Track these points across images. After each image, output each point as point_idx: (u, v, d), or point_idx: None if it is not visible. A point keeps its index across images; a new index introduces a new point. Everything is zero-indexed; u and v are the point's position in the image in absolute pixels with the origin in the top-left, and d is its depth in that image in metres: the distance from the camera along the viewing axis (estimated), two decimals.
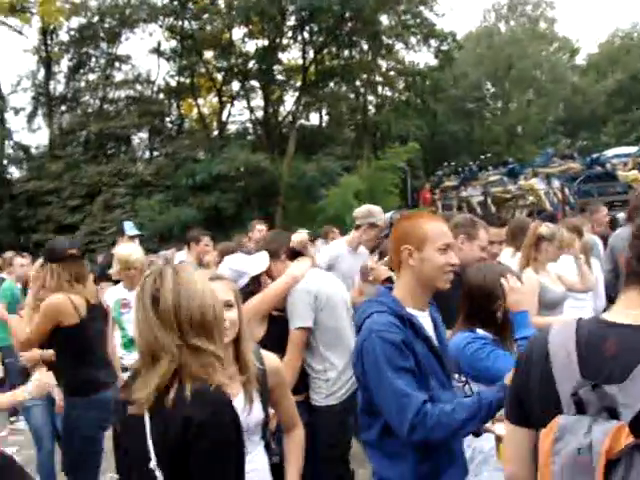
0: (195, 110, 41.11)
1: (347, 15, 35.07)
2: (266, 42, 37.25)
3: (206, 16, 35.92)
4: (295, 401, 3.34)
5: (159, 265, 2.40)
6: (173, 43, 38.70)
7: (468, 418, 2.74)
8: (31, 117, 38.87)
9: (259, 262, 4.47)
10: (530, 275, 5.25)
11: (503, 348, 3.46)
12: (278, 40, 37.19)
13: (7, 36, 46.43)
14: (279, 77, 39.63)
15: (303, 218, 26.52)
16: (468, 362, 3.42)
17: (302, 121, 40.29)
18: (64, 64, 39.06)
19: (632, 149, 21.46)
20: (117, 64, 39.65)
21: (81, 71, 39.18)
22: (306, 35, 37.64)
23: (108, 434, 5.52)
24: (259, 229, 9.03)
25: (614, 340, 1.69)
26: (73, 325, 4.78)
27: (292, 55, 39.80)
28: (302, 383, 4.46)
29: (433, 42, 38.68)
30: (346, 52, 39.16)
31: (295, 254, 4.63)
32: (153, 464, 2.11)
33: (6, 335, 8.34)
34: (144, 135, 39.98)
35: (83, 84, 39.44)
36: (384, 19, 37.53)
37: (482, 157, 30.19)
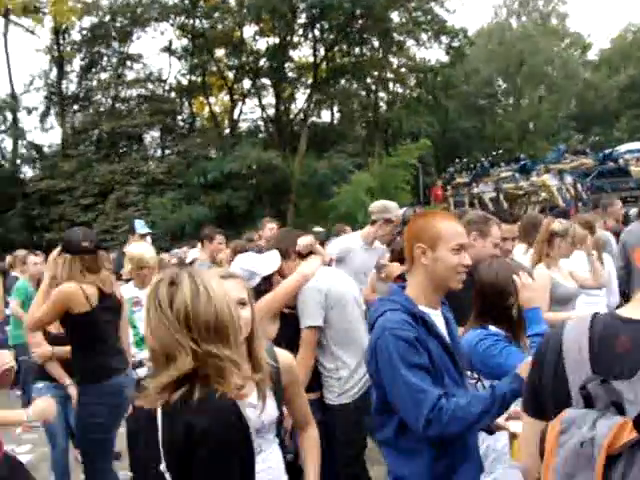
0: (207, 108, 41.20)
1: (358, 12, 35.05)
2: (277, 40, 37.26)
3: (217, 14, 35.97)
4: (309, 399, 3.34)
5: (174, 268, 2.38)
6: (184, 42, 38.83)
7: (484, 411, 2.74)
8: (44, 116, 39.04)
9: (270, 262, 4.46)
10: (542, 271, 5.24)
11: (516, 345, 3.46)
12: (289, 38, 37.20)
13: (20, 36, 46.47)
14: (290, 75, 39.65)
15: (315, 216, 26.53)
16: (480, 359, 3.41)
17: (313, 118, 40.27)
18: (76, 63, 39.30)
19: None
20: (129, 63, 39.78)
21: (93, 70, 39.31)
22: (317, 33, 37.64)
23: (121, 432, 5.58)
24: (270, 227, 9.02)
25: (627, 336, 1.69)
26: (84, 313, 4.80)
27: (303, 53, 39.88)
28: (316, 381, 4.46)
29: (444, 39, 38.63)
30: (357, 49, 39.16)
31: (306, 252, 4.62)
32: (163, 467, 2.12)
33: (20, 332, 8.40)
34: (156, 134, 40.11)
35: (95, 83, 39.56)
36: (395, 16, 37.53)
37: (494, 153, 30.19)
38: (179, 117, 40.75)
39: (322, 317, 4.40)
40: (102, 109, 38.74)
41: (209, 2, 35.63)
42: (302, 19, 36.93)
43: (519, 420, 2.91)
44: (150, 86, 40.33)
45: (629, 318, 1.75)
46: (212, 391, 2.12)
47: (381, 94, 42.32)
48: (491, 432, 3.12)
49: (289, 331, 4.37)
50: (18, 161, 37.61)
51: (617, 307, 2.34)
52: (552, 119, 49.32)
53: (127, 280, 6.61)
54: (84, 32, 37.77)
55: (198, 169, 32.50)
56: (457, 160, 29.36)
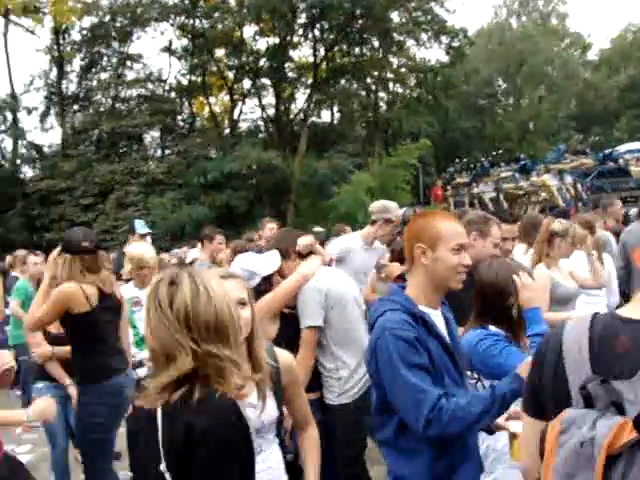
0: (207, 108, 41.22)
1: (358, 12, 35.07)
2: (277, 40, 37.27)
3: (217, 14, 35.98)
4: (309, 399, 3.33)
5: (174, 268, 2.38)
6: (184, 42, 38.85)
7: (484, 411, 2.74)
8: (44, 116, 39.06)
9: (270, 262, 4.46)
10: (541, 271, 5.24)
11: (515, 345, 3.46)
12: (289, 38, 37.21)
13: (20, 36, 46.48)
14: (290, 75, 39.66)
15: (315, 216, 26.54)
16: (480, 359, 3.41)
17: (313, 118, 40.28)
18: (76, 63, 39.32)
19: None
20: (129, 63, 39.80)
21: (93, 70, 39.32)
22: (317, 33, 37.65)
23: (121, 431, 5.59)
24: (270, 227, 9.01)
25: (628, 336, 1.69)
26: (83, 313, 4.80)
27: (303, 53, 39.89)
28: (316, 381, 4.45)
29: (444, 39, 38.64)
30: (357, 49, 39.17)
31: (306, 252, 4.62)
32: (163, 467, 2.11)
33: (20, 332, 8.41)
34: (156, 134, 40.12)
35: (95, 83, 39.58)
36: (395, 16, 37.54)
37: (494, 153, 30.20)
38: (179, 117, 40.78)
39: (322, 317, 4.39)
40: (102, 109, 38.76)
41: (209, 2, 35.64)
42: (302, 19, 36.96)
43: (519, 420, 2.91)
44: (150, 86, 40.36)
45: (629, 318, 1.75)
46: (212, 391, 2.11)
47: (381, 94, 42.36)
48: (491, 432, 3.12)
49: (289, 331, 4.36)
50: (18, 161, 37.64)
51: (617, 307, 2.33)
52: (552, 119, 49.34)
53: (127, 280, 6.61)
54: (84, 32, 37.81)
55: (198, 169, 32.51)
56: (457, 160, 29.37)
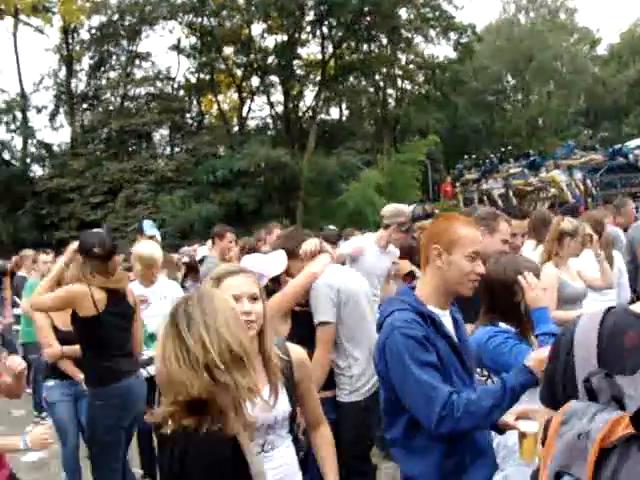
0: (215, 106, 41.30)
1: (366, 9, 35.06)
2: (285, 37, 37.32)
3: (225, 12, 36.07)
4: (325, 397, 3.32)
5: (187, 295, 2.38)
6: (193, 40, 38.95)
7: (495, 405, 2.74)
8: (53, 115, 39.25)
9: (277, 262, 4.45)
10: (549, 270, 5.21)
11: (525, 341, 3.45)
12: (297, 35, 37.25)
13: (29, 36, 46.73)
14: (299, 72, 39.69)
15: (324, 213, 26.55)
16: (490, 356, 3.41)
17: (322, 116, 40.34)
18: (85, 62, 39.50)
19: None
20: (137, 61, 39.92)
21: (102, 69, 39.48)
22: (325, 30, 37.66)
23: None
24: (278, 234, 8.67)
25: (636, 332, 1.69)
26: (90, 317, 4.84)
27: (311, 50, 39.95)
28: (330, 379, 4.44)
29: (452, 35, 38.60)
30: (365, 46, 39.16)
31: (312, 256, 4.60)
32: None
33: (32, 330, 8.44)
34: (165, 132, 40.26)
35: (104, 82, 39.72)
36: (403, 12, 37.53)
37: (503, 149, 30.00)
38: (188, 115, 40.86)
39: (334, 313, 4.38)
40: (111, 107, 38.89)
41: (217, 0, 35.65)
42: (310, 16, 36.99)
43: (529, 419, 2.92)
44: (159, 84, 40.49)
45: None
46: (217, 423, 2.14)
47: (389, 91, 42.37)
48: (501, 431, 3.12)
49: (301, 329, 4.34)
50: (28, 160, 37.80)
51: (631, 302, 2.34)
52: (561, 115, 49.14)
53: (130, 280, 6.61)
54: (93, 31, 37.99)
55: (207, 167, 32.56)
56: (466, 156, 29.17)
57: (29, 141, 37.76)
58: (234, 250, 7.90)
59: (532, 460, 2.77)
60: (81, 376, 5.42)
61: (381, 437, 3.82)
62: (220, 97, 41.13)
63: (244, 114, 40.61)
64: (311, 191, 31.90)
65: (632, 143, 21.85)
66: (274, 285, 4.37)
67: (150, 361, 5.56)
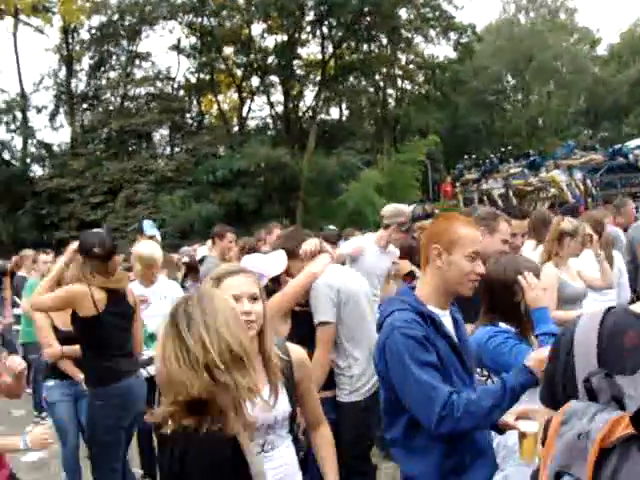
0: (215, 106, 41.31)
1: (366, 9, 35.08)
2: (285, 37, 37.34)
3: (225, 12, 36.09)
4: (324, 397, 3.31)
5: (187, 295, 2.39)
6: (193, 40, 38.96)
7: (495, 404, 2.74)
8: (53, 115, 39.26)
9: (277, 262, 4.44)
10: (549, 270, 5.21)
11: (525, 341, 3.45)
12: (297, 35, 37.27)
13: (29, 36, 46.75)
14: (299, 72, 39.71)
15: (324, 213, 26.55)
16: (490, 356, 3.41)
17: (322, 116, 40.35)
18: (85, 62, 39.51)
19: None
20: (137, 61, 39.93)
21: (102, 69, 39.48)
22: (325, 30, 37.67)
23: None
24: (278, 234, 8.64)
25: (636, 332, 1.69)
26: (90, 317, 4.84)
27: (311, 50, 39.96)
28: (330, 379, 4.43)
29: (452, 35, 38.61)
30: (365, 46, 39.17)
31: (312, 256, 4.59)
32: None
33: (32, 330, 8.44)
34: (165, 132, 40.27)
35: (104, 82, 39.73)
36: (403, 12, 37.53)
37: (503, 149, 30.00)
38: (188, 115, 40.87)
39: (334, 313, 4.37)
40: (111, 107, 38.89)
41: (217, 0, 35.66)
42: (310, 16, 37.01)
43: (529, 420, 2.92)
44: (159, 84, 40.49)
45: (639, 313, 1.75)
46: (217, 424, 2.14)
47: (389, 91, 42.38)
48: (501, 432, 3.12)
49: (301, 329, 4.33)
50: (28, 160, 37.80)
51: (631, 302, 2.34)
52: (561, 115, 49.16)
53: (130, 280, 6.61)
54: (93, 31, 38.00)
55: (207, 167, 32.57)
56: (466, 156, 29.17)
57: (29, 141, 37.78)
58: (234, 250, 7.90)
59: (532, 460, 2.77)
60: (81, 376, 5.42)
61: (381, 437, 3.83)
62: (220, 97, 41.16)
63: (244, 114, 40.65)
64: (311, 191, 31.90)
65: (632, 143, 21.84)
66: (274, 285, 4.37)
67: (150, 361, 5.56)
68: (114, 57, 39.71)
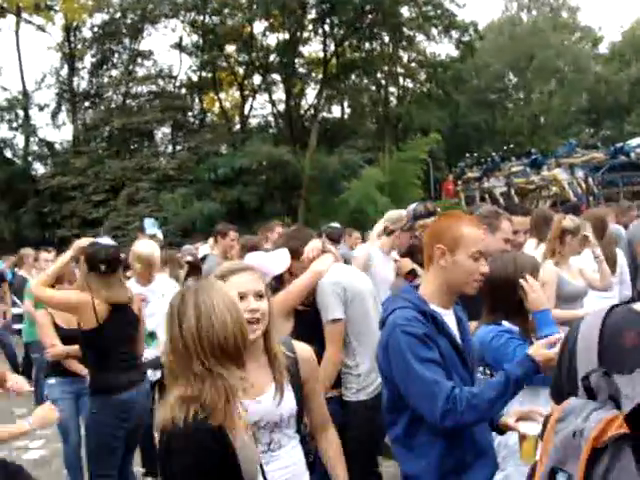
0: (217, 104, 41.25)
1: (367, 7, 35.07)
2: (287, 35, 37.29)
3: (227, 10, 36.02)
4: (329, 396, 3.29)
5: (184, 289, 2.41)
6: (195, 38, 38.88)
7: (497, 396, 2.75)
8: (55, 113, 39.20)
9: (280, 261, 4.43)
10: (549, 267, 5.21)
11: (529, 342, 3.44)
12: (299, 33, 37.21)
13: (31, 34, 46.75)
14: (300, 70, 39.68)
15: (325, 211, 26.50)
16: (493, 356, 3.40)
17: (324, 114, 40.33)
18: (87, 60, 39.39)
19: None
20: (139, 60, 39.84)
21: (104, 67, 39.42)
22: (327, 28, 37.62)
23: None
24: (279, 232, 8.60)
25: (637, 331, 1.69)
26: (91, 329, 4.85)
27: (313, 48, 39.91)
28: (337, 377, 4.42)
29: (454, 33, 38.49)
30: (367, 44, 39.11)
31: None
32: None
33: (34, 330, 8.46)
34: (167, 130, 40.16)
35: (106, 80, 39.65)
36: (405, 11, 37.39)
37: (505, 148, 30.05)
38: (190, 113, 40.78)
39: (342, 309, 4.35)
40: (113, 106, 38.79)
41: None
42: (312, 14, 36.96)
43: (529, 421, 2.92)
44: (161, 82, 40.38)
45: None
46: (203, 413, 2.16)
47: (391, 89, 42.28)
48: (502, 432, 3.12)
49: (304, 328, 4.32)
50: (30, 158, 37.77)
51: (630, 300, 2.34)
52: (563, 113, 49.07)
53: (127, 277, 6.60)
54: (95, 29, 37.95)
55: (209, 165, 32.54)
56: (468, 155, 29.19)
57: (31, 139, 37.77)
58: (236, 248, 7.89)
59: (532, 462, 2.78)
60: (86, 371, 5.43)
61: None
62: (222, 95, 41.11)
63: (246, 112, 40.63)
64: (313, 189, 31.85)
65: (634, 141, 21.85)
66: (277, 284, 4.35)
67: (156, 363, 5.56)
68: (116, 55, 39.65)
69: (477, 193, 23.53)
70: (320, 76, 38.71)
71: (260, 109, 42.45)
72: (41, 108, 38.62)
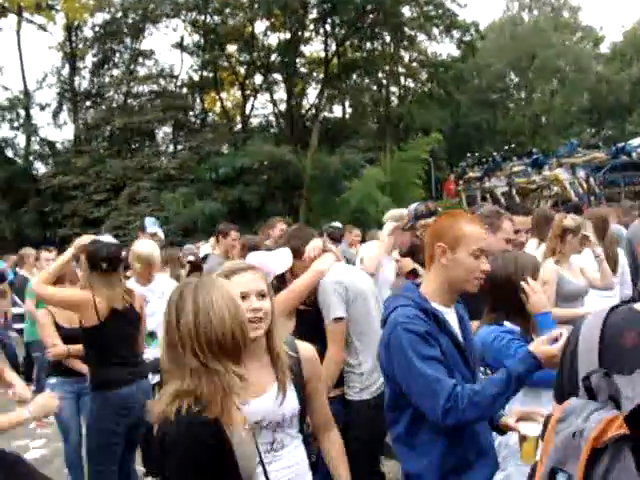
0: (218, 104, 41.28)
1: (369, 7, 35.11)
2: (288, 35, 37.31)
3: (228, 10, 36.05)
4: (332, 396, 3.28)
5: (182, 283, 2.41)
6: (196, 37, 38.98)
7: (499, 393, 2.75)
8: (56, 113, 39.24)
9: (282, 260, 4.43)
10: (549, 266, 5.21)
11: (531, 341, 3.44)
12: (300, 33, 37.23)
13: (33, 33, 46.77)
14: (302, 70, 39.72)
15: (326, 210, 26.51)
16: (494, 356, 3.39)
17: (325, 113, 40.37)
18: (88, 60, 39.47)
19: None
20: (141, 59, 39.88)
21: (105, 67, 39.46)
22: (328, 28, 37.68)
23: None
24: (281, 228, 8.65)
25: (637, 331, 1.68)
26: (92, 326, 4.85)
27: (314, 48, 39.98)
28: (339, 377, 4.41)
29: (455, 33, 38.54)
30: (368, 44, 39.17)
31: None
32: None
33: (35, 329, 8.46)
34: (168, 129, 40.19)
35: (107, 79, 39.70)
36: (406, 10, 37.46)
37: (506, 148, 30.07)
38: (191, 113, 40.80)
39: (344, 309, 4.35)
40: (114, 105, 38.83)
41: None
42: (313, 14, 37.00)
43: (529, 422, 2.92)
44: (162, 82, 40.44)
45: None
46: (198, 407, 2.16)
47: (393, 89, 42.31)
48: (502, 432, 3.11)
49: (306, 328, 4.31)
50: (31, 157, 37.82)
51: (631, 299, 2.34)
52: (564, 113, 49.06)
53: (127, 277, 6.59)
54: (96, 29, 38.00)
55: (210, 165, 32.59)
56: (469, 154, 29.24)
57: (32, 139, 37.80)
58: (237, 248, 7.89)
59: (532, 462, 2.77)
60: (87, 369, 5.43)
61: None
62: (223, 95, 41.15)
63: (247, 112, 40.66)
64: (314, 189, 31.85)
65: (635, 141, 21.82)
66: (279, 283, 4.35)
67: (155, 365, 5.56)
68: (117, 55, 39.68)
69: (478, 193, 23.53)
70: (321, 76, 38.77)
71: (261, 109, 42.68)
72: (42, 108, 38.70)
